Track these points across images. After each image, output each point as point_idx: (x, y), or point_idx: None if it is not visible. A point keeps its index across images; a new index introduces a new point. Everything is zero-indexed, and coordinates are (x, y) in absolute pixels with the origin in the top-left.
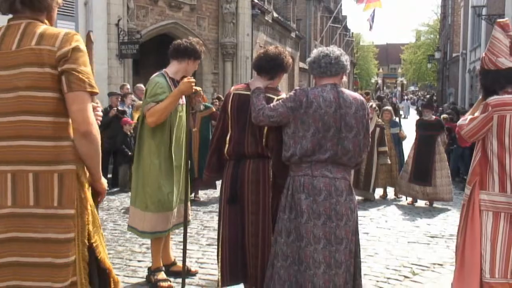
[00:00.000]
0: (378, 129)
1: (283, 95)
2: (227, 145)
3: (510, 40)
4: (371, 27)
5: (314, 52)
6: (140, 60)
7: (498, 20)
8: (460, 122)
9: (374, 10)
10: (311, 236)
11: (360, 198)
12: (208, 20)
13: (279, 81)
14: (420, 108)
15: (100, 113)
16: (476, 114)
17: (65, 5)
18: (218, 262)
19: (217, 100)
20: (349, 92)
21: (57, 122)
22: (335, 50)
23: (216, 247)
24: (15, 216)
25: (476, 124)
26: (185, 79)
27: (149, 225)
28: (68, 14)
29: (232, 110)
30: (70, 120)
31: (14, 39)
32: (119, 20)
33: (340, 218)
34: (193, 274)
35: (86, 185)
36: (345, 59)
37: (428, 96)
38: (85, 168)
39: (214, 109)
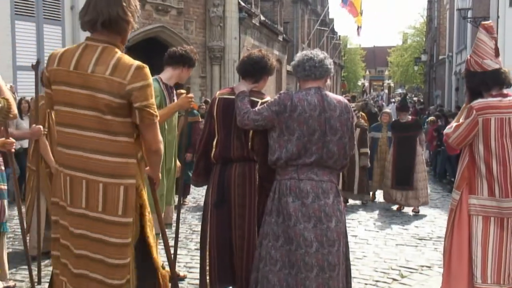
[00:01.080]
0: (358, 130)
1: (268, 98)
2: (214, 149)
3: (495, 42)
4: (358, 34)
5: (298, 56)
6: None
7: (483, 22)
8: (446, 130)
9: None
10: (301, 239)
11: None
12: (195, 24)
13: (264, 84)
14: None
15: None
16: (461, 119)
17: (51, 9)
18: (206, 265)
19: (204, 104)
20: (333, 95)
21: (124, 141)
22: (318, 53)
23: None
24: (87, 217)
25: (462, 131)
26: (184, 95)
27: None
28: (54, 18)
29: (218, 115)
30: (134, 140)
31: (90, 63)
32: None
33: (330, 220)
34: (182, 278)
35: (144, 194)
36: (329, 62)
37: (415, 99)
38: (143, 178)
39: (200, 119)
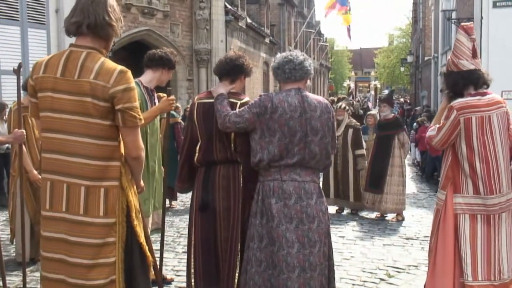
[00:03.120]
0: (351, 130)
1: (247, 98)
2: (197, 154)
3: (473, 43)
4: (350, 38)
5: (278, 58)
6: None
7: (462, 23)
8: (429, 133)
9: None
10: (283, 240)
11: (336, 207)
12: (181, 27)
13: (241, 85)
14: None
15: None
16: (442, 120)
17: (35, 12)
18: (191, 268)
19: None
20: (313, 96)
21: (108, 145)
22: (298, 55)
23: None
24: (66, 220)
25: (445, 132)
26: (165, 98)
27: None
28: (39, 22)
29: (198, 119)
30: (118, 143)
31: (75, 69)
32: None
33: (312, 221)
34: (169, 282)
35: (131, 194)
36: (309, 63)
37: (402, 99)
38: (129, 179)
39: (179, 120)
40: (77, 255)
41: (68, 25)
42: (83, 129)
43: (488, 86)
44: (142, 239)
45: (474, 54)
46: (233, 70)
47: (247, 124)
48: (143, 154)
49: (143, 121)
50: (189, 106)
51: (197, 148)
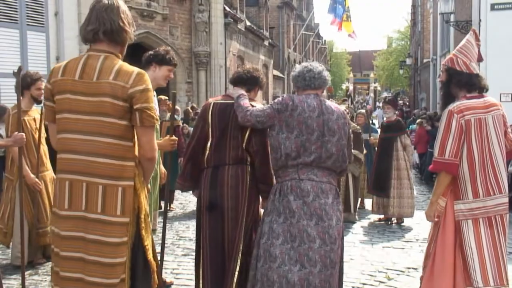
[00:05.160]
0: (352, 135)
1: (260, 105)
2: (207, 152)
3: (478, 48)
4: (355, 38)
5: (298, 67)
6: None
7: (473, 28)
8: (435, 154)
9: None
10: (304, 234)
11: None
12: (180, 29)
13: (255, 96)
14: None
15: None
16: (441, 126)
17: (34, 16)
18: (199, 268)
19: (191, 110)
20: (330, 103)
21: (124, 145)
22: (317, 65)
23: (192, 257)
24: (85, 219)
25: (453, 141)
26: (168, 138)
27: None
28: (38, 24)
29: (213, 117)
30: (133, 144)
31: (94, 71)
32: None
33: (331, 218)
34: (168, 285)
35: (142, 196)
36: (326, 74)
37: (401, 102)
38: (141, 181)
39: (180, 123)
40: (96, 253)
41: (85, 33)
42: (99, 128)
43: (487, 90)
44: (147, 242)
45: (480, 59)
46: (250, 80)
47: (267, 118)
48: (157, 155)
49: (158, 122)
50: (189, 108)
51: (208, 146)
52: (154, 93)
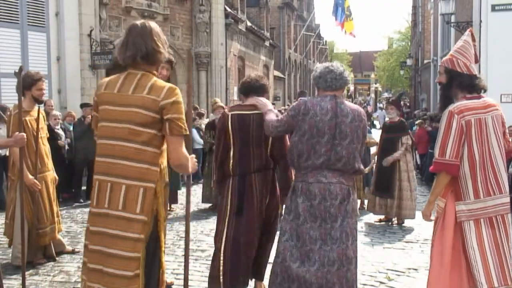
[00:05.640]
0: None
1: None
2: (231, 160)
3: (475, 49)
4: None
5: (319, 67)
6: (113, 70)
7: (470, 28)
8: (436, 156)
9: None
10: (307, 237)
11: None
12: (181, 30)
13: None
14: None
15: None
16: (441, 127)
17: (35, 16)
18: (219, 267)
19: (193, 110)
20: (348, 104)
21: (150, 151)
22: (338, 66)
23: (192, 257)
24: (108, 215)
25: (453, 142)
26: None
27: None
28: (39, 25)
29: (233, 129)
30: (160, 151)
31: (131, 86)
32: (91, 31)
33: (335, 220)
34: (169, 285)
35: (161, 200)
36: (347, 74)
37: (401, 102)
38: (165, 192)
39: None
40: (115, 246)
41: (124, 57)
42: (130, 136)
43: (485, 91)
44: (162, 244)
45: (476, 59)
46: (260, 88)
47: (285, 126)
48: (185, 162)
49: (188, 132)
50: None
51: (231, 154)
52: None
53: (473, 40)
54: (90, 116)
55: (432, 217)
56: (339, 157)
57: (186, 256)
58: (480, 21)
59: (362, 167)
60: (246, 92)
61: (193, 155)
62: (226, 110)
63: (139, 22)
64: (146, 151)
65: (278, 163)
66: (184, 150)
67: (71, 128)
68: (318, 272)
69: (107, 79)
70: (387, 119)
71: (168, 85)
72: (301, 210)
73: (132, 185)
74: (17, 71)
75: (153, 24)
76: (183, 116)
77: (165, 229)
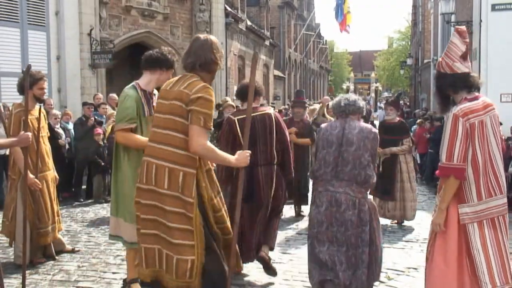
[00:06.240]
0: None
1: (271, 110)
2: None
3: (466, 46)
4: (347, 30)
5: (337, 98)
6: (113, 69)
7: (457, 27)
8: (442, 160)
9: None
10: (315, 240)
11: None
12: (181, 29)
13: (258, 103)
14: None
15: None
16: (446, 131)
17: (35, 14)
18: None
19: None
20: (358, 124)
21: (187, 140)
22: (352, 95)
23: None
24: (155, 192)
25: (460, 147)
26: (243, 152)
27: (128, 235)
28: (39, 24)
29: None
30: None
31: (178, 84)
32: (91, 30)
33: (341, 225)
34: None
35: (203, 185)
36: (361, 103)
37: (401, 102)
38: (208, 175)
39: None
40: (165, 218)
41: (186, 64)
42: (173, 125)
43: (479, 89)
44: (211, 219)
45: (466, 57)
46: (257, 92)
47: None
48: (202, 151)
49: (209, 126)
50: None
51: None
52: (156, 91)
53: (463, 37)
54: (93, 118)
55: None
56: (345, 162)
57: (234, 246)
58: (480, 20)
59: (373, 179)
60: (243, 97)
61: (248, 151)
62: (230, 115)
63: (202, 35)
64: (185, 139)
65: (281, 156)
66: (203, 140)
67: (69, 127)
68: (323, 271)
69: (171, 79)
70: (386, 118)
71: (203, 83)
72: (313, 215)
73: (174, 168)
74: (25, 69)
75: (214, 39)
76: (207, 111)
77: (214, 207)
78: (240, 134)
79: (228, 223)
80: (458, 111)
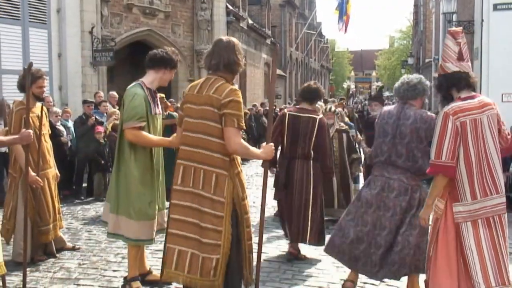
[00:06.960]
0: (345, 135)
1: (320, 115)
2: (285, 146)
3: (459, 47)
4: (346, 31)
5: (399, 81)
6: (114, 67)
7: (449, 29)
8: (432, 157)
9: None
10: (360, 220)
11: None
12: (183, 27)
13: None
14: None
15: None
16: (436, 129)
17: (37, 12)
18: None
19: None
20: (415, 109)
21: (220, 143)
22: (413, 78)
23: None
24: (192, 193)
25: (449, 144)
26: (267, 146)
27: (132, 232)
28: (40, 21)
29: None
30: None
31: (205, 88)
32: (92, 28)
33: (387, 210)
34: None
35: (235, 185)
36: (422, 84)
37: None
38: (238, 178)
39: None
40: (199, 218)
41: (210, 65)
42: (202, 129)
43: (474, 88)
44: (241, 220)
45: (460, 57)
46: (317, 96)
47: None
48: (240, 150)
49: (242, 126)
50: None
51: (284, 142)
52: (160, 95)
53: (455, 38)
54: (93, 117)
55: (430, 221)
56: (399, 154)
57: (260, 239)
58: (482, 20)
59: (427, 167)
60: (304, 97)
61: (271, 144)
62: (285, 109)
63: (224, 37)
64: (217, 143)
65: (318, 155)
66: (239, 139)
67: (69, 125)
68: (366, 249)
69: (194, 82)
70: (371, 113)
71: (230, 87)
72: (364, 196)
73: (208, 170)
74: (26, 67)
75: (236, 41)
76: (239, 113)
77: (246, 208)
78: (286, 126)
79: (251, 228)
80: (448, 110)
